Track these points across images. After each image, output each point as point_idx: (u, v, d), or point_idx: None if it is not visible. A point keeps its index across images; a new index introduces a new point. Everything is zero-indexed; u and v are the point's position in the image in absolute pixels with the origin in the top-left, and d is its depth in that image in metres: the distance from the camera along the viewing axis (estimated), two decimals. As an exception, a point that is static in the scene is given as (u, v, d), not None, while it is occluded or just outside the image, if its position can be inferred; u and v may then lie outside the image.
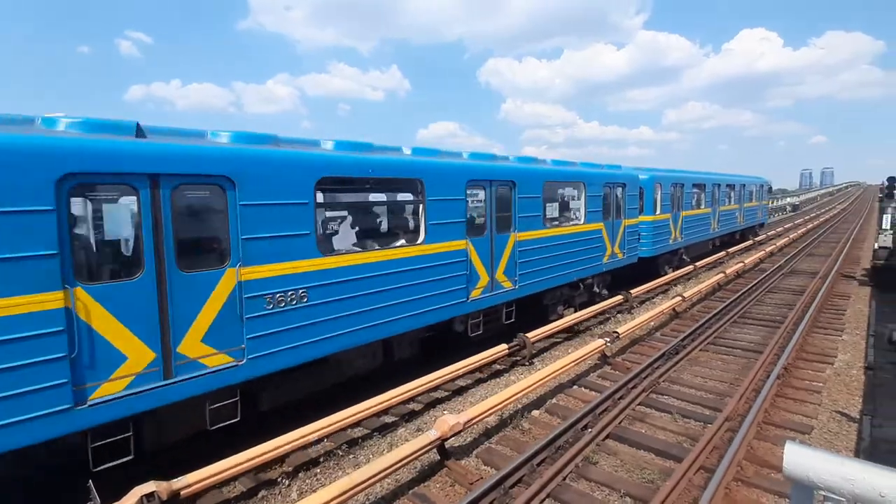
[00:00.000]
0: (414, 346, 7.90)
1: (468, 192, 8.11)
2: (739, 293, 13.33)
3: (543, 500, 4.85)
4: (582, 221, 11.09)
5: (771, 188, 32.98)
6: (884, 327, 9.76)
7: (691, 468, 5.19)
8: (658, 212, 15.01)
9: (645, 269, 14.60)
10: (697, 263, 17.27)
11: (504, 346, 8.41)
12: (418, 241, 7.33)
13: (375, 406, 6.11)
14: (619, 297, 12.09)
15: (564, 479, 5.19)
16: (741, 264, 16.81)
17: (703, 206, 18.91)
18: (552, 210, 10.84)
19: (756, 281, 14.90)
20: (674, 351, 8.91)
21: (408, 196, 7.92)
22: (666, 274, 15.36)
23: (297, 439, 5.25)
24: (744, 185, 24.05)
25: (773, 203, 53.22)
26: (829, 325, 10.61)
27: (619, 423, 6.41)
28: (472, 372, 7.96)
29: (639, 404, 6.96)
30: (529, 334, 8.85)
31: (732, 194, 22.53)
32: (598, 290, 12.39)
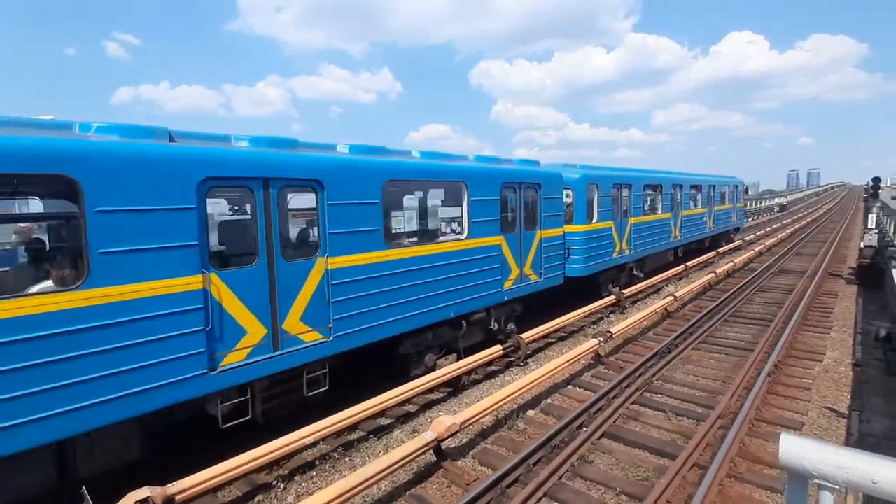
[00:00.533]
0: (130, 447, 4.89)
1: (210, 198, 5.18)
2: (730, 292, 13.50)
3: (540, 499, 4.88)
4: (464, 235, 8.10)
5: (747, 189, 29.35)
6: (870, 324, 9.94)
7: (685, 465, 5.25)
8: (595, 219, 12.15)
9: (579, 290, 11.99)
10: (688, 263, 17.43)
11: (499, 347, 8.44)
12: (76, 285, 4.23)
13: (371, 408, 6.08)
14: (611, 298, 12.18)
15: (560, 478, 5.22)
16: (731, 264, 17.02)
17: (660, 211, 16.16)
18: (405, 221, 8.26)
19: (746, 280, 15.10)
20: (666, 350, 8.99)
21: (51, 207, 5.01)
22: (609, 295, 12.57)
23: (292, 442, 5.22)
24: (713, 186, 21.32)
25: (761, 203, 53.96)
26: (817, 323, 10.78)
27: (614, 422, 6.46)
28: (467, 373, 7.97)
29: (633, 403, 7.03)
30: (524, 335, 8.89)
31: (699, 196, 19.89)
32: (496, 327, 9.19)
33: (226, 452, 4.97)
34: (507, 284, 9.12)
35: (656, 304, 11.40)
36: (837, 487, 1.46)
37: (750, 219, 44.43)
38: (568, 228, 11.33)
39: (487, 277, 8.59)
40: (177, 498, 4.36)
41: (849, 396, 7.15)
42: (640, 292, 13.70)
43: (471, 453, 5.85)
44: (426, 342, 7.83)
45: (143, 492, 4.17)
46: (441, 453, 5.57)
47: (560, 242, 10.72)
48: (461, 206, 8.26)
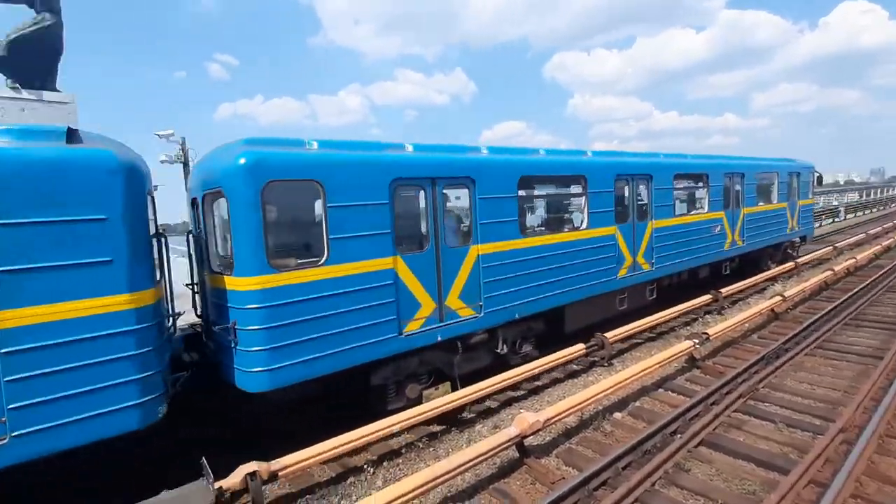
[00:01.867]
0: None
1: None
2: (851, 292, 11.84)
3: (631, 504, 4.65)
4: None
5: (821, 178, 17.92)
6: None
7: (800, 481, 4.71)
8: (325, 258, 5.49)
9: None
10: (798, 260, 15.57)
11: (581, 345, 8.16)
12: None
13: (452, 402, 6.19)
14: (707, 297, 11.24)
15: (653, 484, 4.93)
16: (853, 260, 14.98)
17: (584, 226, 8.57)
18: None
19: (871, 279, 13.15)
20: (774, 355, 8.11)
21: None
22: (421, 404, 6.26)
23: (379, 430, 5.47)
24: (740, 176, 12.74)
25: (887, 192, 46.80)
26: (968, 329, 9.14)
27: (713, 429, 5.97)
28: (547, 371, 7.81)
29: (735, 411, 6.44)
30: (608, 334, 8.51)
31: (702, 194, 11.77)
32: None
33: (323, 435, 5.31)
34: None
35: (761, 305, 10.34)
36: None
37: (874, 209, 38.76)
38: (229, 282, 5.29)
39: None
40: (279, 474, 4.75)
41: None
42: (739, 292, 12.51)
43: (554, 452, 5.72)
44: None
45: (252, 466, 4.61)
46: (524, 450, 5.52)
47: (76, 339, 4.05)
48: None
